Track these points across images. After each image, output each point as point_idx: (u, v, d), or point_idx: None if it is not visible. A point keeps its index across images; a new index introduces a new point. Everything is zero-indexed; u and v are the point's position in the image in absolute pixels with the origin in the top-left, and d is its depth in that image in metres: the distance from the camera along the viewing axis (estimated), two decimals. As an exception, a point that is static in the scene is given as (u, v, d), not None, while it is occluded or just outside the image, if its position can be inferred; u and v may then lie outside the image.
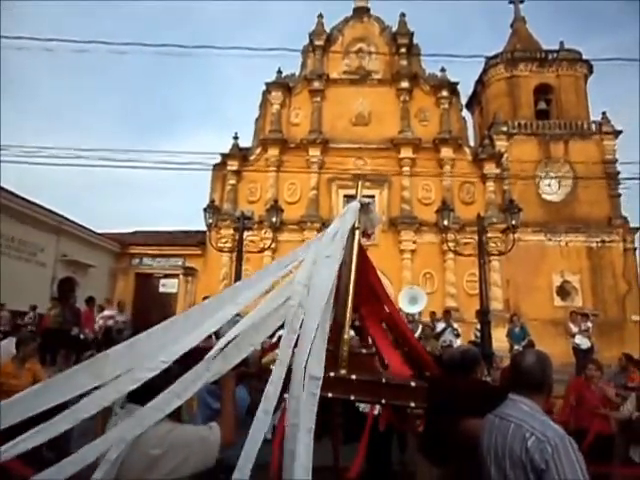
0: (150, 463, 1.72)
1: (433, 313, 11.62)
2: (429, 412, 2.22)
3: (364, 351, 2.13)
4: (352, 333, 2.53)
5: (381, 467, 3.81)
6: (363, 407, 4.19)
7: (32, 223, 13.75)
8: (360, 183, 2.55)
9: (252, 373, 2.27)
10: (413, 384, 1.95)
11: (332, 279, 2.00)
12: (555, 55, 20.38)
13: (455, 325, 10.24)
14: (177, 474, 1.76)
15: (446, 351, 6.15)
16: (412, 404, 1.93)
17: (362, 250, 2.40)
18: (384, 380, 1.95)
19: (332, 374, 1.90)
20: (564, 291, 17.20)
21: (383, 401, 1.96)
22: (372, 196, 16.92)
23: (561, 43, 20.60)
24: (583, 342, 9.80)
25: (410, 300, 10.42)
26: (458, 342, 9.42)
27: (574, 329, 10.05)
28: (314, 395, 1.76)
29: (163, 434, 1.76)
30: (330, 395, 1.87)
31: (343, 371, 1.98)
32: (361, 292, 2.34)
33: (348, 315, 2.08)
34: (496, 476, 1.88)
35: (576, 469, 1.67)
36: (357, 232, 2.33)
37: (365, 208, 2.34)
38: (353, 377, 1.85)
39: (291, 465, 1.67)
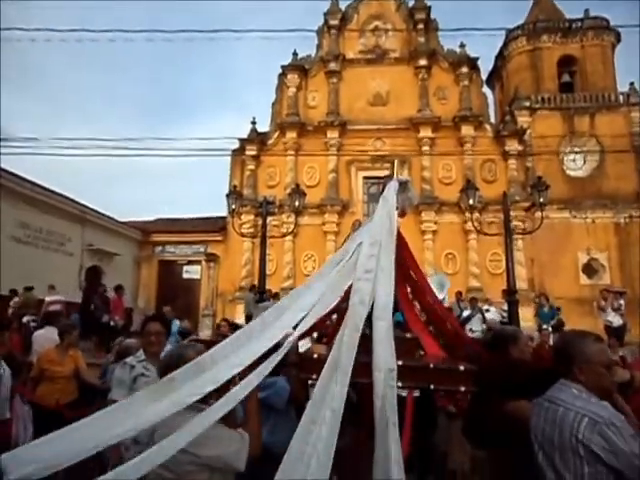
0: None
1: (459, 293, 11.45)
2: (474, 394, 2.16)
3: (408, 335, 2.07)
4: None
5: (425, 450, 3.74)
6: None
7: (58, 214, 13.96)
8: (396, 162, 2.49)
9: (291, 362, 2.24)
10: (462, 368, 1.90)
11: (392, 271, 1.95)
12: (580, 24, 19.54)
13: (483, 309, 10.05)
14: (207, 461, 1.77)
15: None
16: (462, 388, 1.87)
17: (397, 231, 2.34)
18: (432, 365, 1.90)
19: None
20: (591, 269, 16.83)
21: (432, 386, 1.91)
22: (391, 177, 16.70)
23: (586, 11, 19.76)
24: (615, 320, 9.58)
25: (438, 286, 10.32)
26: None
27: (606, 307, 9.83)
28: (392, 387, 1.74)
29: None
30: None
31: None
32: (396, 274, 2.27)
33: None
34: (544, 462, 1.83)
35: None
36: (395, 212, 2.26)
37: (404, 186, 2.26)
38: (400, 363, 1.79)
39: (385, 464, 1.64)
